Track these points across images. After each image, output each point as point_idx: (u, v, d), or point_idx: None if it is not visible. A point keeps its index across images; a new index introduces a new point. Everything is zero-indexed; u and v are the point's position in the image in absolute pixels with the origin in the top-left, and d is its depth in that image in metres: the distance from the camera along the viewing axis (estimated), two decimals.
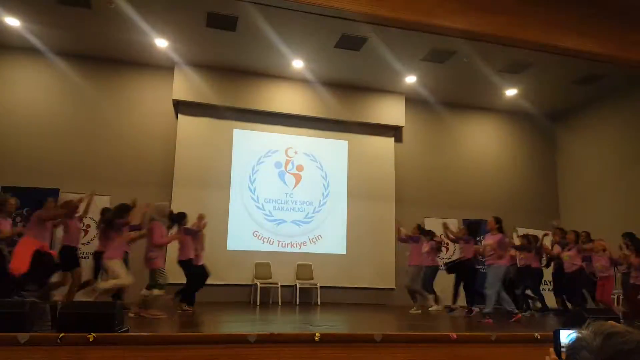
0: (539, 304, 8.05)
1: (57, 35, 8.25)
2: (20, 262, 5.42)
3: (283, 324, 5.91)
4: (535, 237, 8.07)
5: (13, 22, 7.80)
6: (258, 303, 8.59)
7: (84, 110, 8.97)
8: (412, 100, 10.47)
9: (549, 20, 6.67)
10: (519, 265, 8.03)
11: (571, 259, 7.34)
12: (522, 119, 11.35)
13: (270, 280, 8.95)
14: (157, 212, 6.17)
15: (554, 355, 1.18)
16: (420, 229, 8.14)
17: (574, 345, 0.96)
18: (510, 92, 10.21)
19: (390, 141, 10.49)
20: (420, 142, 10.81)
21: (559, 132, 11.47)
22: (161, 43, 8.46)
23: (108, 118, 9.06)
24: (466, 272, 7.45)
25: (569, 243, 7.50)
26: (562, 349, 1.15)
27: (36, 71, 8.86)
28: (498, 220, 6.73)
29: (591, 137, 10.63)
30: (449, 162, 10.82)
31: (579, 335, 0.98)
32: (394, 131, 10.53)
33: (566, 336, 1.18)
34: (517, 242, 8.26)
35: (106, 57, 9.06)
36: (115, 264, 5.60)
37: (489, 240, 6.65)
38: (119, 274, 5.56)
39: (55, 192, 8.30)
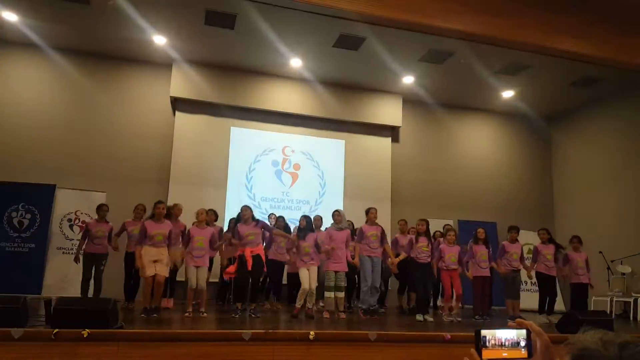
0: None
1: (55, 31, 8.21)
2: None
3: (279, 322, 5.91)
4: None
5: (11, 16, 7.76)
6: None
7: (81, 106, 8.93)
8: (410, 101, 10.48)
9: (546, 23, 6.70)
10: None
11: None
12: (518, 121, 11.37)
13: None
14: None
15: (476, 356, 1.16)
16: None
17: (582, 356, 0.92)
18: (507, 93, 10.23)
19: (387, 141, 10.50)
20: (417, 142, 10.82)
21: (555, 134, 11.50)
22: (159, 40, 8.43)
23: (105, 114, 9.03)
24: None
25: None
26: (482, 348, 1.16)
27: (33, 67, 8.81)
28: None
29: (587, 140, 10.67)
30: (446, 162, 10.84)
31: (584, 345, 0.93)
32: (391, 131, 10.53)
33: (491, 335, 1.17)
34: None
35: (104, 54, 9.03)
36: None
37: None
38: None
39: (51, 188, 8.29)
